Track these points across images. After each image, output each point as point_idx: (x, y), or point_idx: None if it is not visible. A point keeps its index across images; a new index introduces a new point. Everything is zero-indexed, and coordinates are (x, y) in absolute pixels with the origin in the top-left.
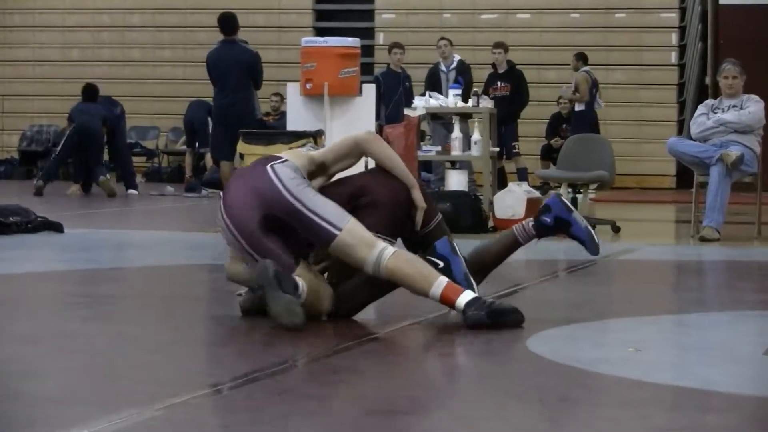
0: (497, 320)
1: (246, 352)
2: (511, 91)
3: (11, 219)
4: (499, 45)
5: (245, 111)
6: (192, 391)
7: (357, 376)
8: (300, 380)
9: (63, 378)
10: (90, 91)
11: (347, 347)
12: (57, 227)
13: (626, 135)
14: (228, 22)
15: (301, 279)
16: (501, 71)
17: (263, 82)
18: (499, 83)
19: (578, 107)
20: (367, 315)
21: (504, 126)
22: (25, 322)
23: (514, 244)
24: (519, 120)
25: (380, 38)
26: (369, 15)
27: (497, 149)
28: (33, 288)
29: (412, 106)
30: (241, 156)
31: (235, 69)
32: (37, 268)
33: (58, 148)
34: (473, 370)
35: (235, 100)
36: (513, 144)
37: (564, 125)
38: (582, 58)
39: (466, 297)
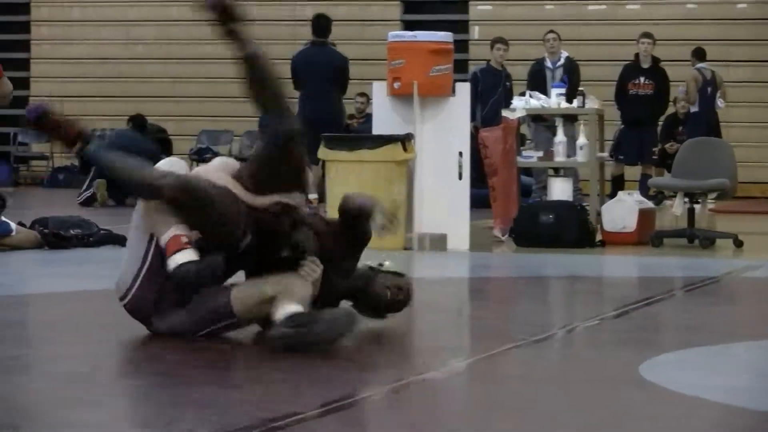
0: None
1: (322, 379)
2: (654, 90)
3: (71, 232)
4: (647, 35)
5: (333, 116)
6: (261, 425)
7: (450, 403)
8: (385, 410)
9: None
10: (137, 121)
11: (438, 372)
12: (120, 241)
13: (750, 138)
14: (321, 25)
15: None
16: (645, 66)
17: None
18: (642, 79)
19: (693, 108)
20: (458, 339)
21: (644, 127)
22: (74, 345)
23: None
24: (617, 121)
25: (475, 32)
26: (463, 6)
27: (605, 154)
28: (87, 307)
29: (511, 107)
30: (323, 162)
31: (325, 72)
32: (94, 286)
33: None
34: (581, 399)
35: (323, 105)
36: (654, 149)
37: (680, 128)
38: (697, 55)
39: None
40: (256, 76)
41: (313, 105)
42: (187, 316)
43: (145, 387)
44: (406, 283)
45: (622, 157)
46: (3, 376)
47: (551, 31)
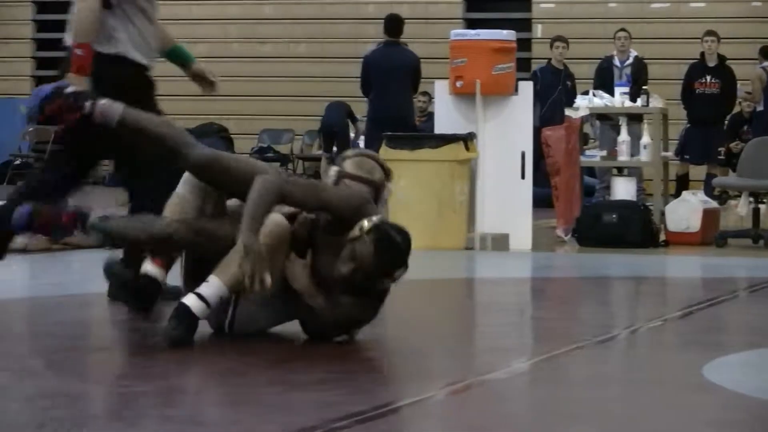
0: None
1: (388, 379)
2: (721, 89)
3: None
4: (711, 33)
5: (406, 115)
6: (329, 422)
7: (512, 405)
8: (450, 410)
9: (186, 405)
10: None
11: (502, 373)
12: None
13: None
14: (395, 24)
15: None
16: (711, 65)
17: None
18: (708, 78)
19: (759, 107)
20: (520, 340)
21: (710, 127)
22: (136, 345)
23: None
24: (681, 121)
25: (538, 30)
26: (526, 4)
27: (669, 153)
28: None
29: (574, 106)
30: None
31: (399, 72)
32: None
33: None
34: (644, 401)
35: (397, 104)
36: (720, 149)
37: (745, 127)
38: (763, 53)
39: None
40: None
41: (386, 104)
42: None
43: (205, 385)
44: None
45: (687, 157)
46: (65, 374)
47: (622, 29)
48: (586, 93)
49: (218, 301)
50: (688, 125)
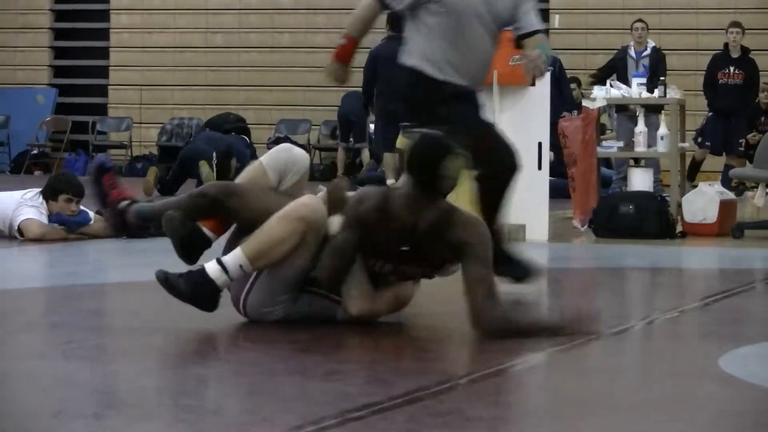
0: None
1: (403, 370)
2: (744, 80)
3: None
4: (736, 24)
5: None
6: (345, 412)
7: (528, 396)
8: (465, 401)
9: (204, 393)
10: (211, 124)
11: (517, 364)
12: None
13: None
14: (399, 20)
15: None
16: (735, 56)
17: None
18: (731, 69)
19: None
20: None
21: (732, 118)
22: (153, 334)
23: None
24: (698, 112)
25: (555, 21)
26: None
27: (686, 144)
28: (161, 297)
29: (591, 96)
30: (400, 152)
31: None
32: None
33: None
34: (661, 392)
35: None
36: (741, 141)
37: (762, 118)
38: None
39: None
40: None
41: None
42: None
43: (222, 375)
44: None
45: (708, 144)
46: (82, 362)
47: (639, 20)
48: (602, 84)
49: (238, 270)
50: (710, 114)
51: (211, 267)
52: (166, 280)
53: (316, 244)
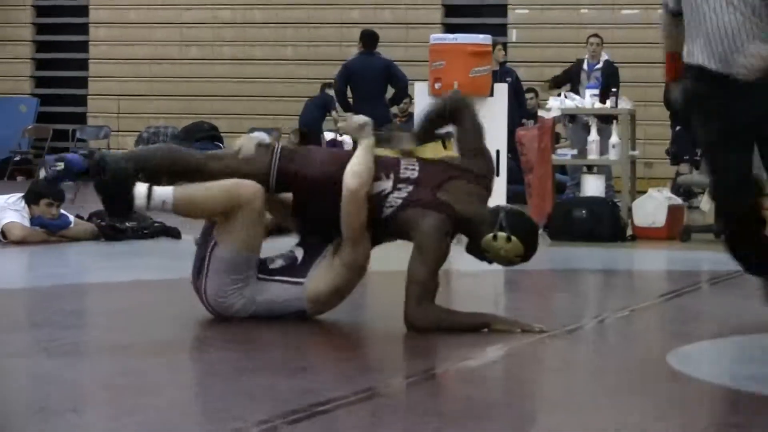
0: None
1: (366, 367)
2: None
3: (127, 224)
4: None
5: (382, 116)
6: (309, 408)
7: (485, 391)
8: (424, 397)
9: (173, 392)
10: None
11: (475, 361)
12: (174, 233)
13: None
14: (371, 38)
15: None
16: None
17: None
18: None
19: None
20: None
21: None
22: (130, 333)
23: None
24: (649, 122)
25: (513, 35)
26: (501, 10)
27: (636, 152)
28: (139, 297)
29: (546, 106)
30: None
31: (375, 77)
32: (148, 276)
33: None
34: (612, 386)
35: (374, 106)
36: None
37: None
38: None
39: None
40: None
41: (365, 106)
42: None
43: (196, 374)
44: None
45: (687, 157)
46: (64, 360)
47: (595, 35)
48: (559, 95)
49: (159, 203)
50: (678, 128)
51: (141, 187)
52: (99, 162)
53: (247, 229)
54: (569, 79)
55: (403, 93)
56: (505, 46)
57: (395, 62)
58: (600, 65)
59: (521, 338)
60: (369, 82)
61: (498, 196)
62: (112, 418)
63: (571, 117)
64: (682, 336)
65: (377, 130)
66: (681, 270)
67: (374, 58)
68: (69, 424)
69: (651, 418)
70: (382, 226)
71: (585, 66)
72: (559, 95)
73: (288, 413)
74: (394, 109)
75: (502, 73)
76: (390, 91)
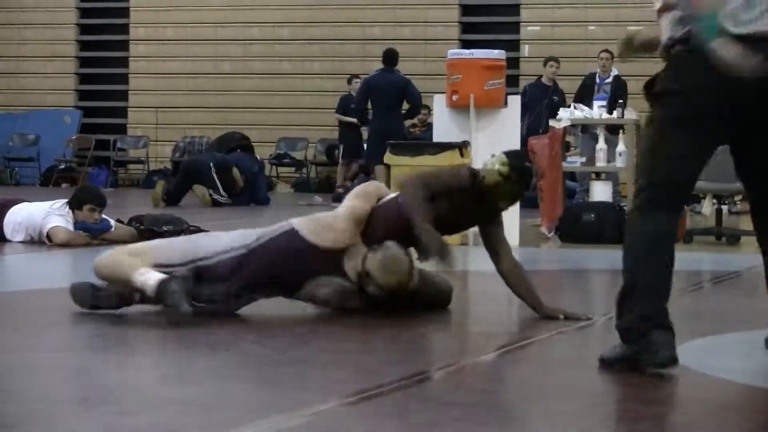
0: None
1: (391, 360)
2: None
3: (164, 228)
4: None
5: (397, 128)
6: (339, 399)
7: (502, 384)
8: (445, 389)
9: (212, 383)
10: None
11: (492, 356)
12: None
13: None
14: (391, 57)
15: None
16: None
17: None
18: None
19: None
20: (508, 326)
21: None
22: (169, 328)
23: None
24: None
25: (525, 50)
26: (514, 27)
27: None
28: None
29: (557, 117)
30: (388, 167)
31: (391, 93)
32: None
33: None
34: (620, 380)
35: (391, 118)
36: None
37: None
38: None
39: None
40: None
41: (382, 118)
42: None
43: (230, 366)
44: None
45: None
46: (105, 355)
47: (605, 50)
48: (568, 106)
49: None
50: None
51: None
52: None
53: None
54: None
55: (416, 109)
56: (517, 61)
57: (415, 76)
58: (610, 79)
59: (534, 334)
60: (387, 97)
61: None
62: (153, 408)
63: (583, 127)
64: (687, 332)
65: (392, 139)
66: (684, 270)
67: (393, 75)
68: (111, 413)
69: (657, 410)
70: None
71: (597, 79)
72: (568, 106)
73: (317, 404)
74: (414, 120)
75: (553, 91)
76: (406, 106)
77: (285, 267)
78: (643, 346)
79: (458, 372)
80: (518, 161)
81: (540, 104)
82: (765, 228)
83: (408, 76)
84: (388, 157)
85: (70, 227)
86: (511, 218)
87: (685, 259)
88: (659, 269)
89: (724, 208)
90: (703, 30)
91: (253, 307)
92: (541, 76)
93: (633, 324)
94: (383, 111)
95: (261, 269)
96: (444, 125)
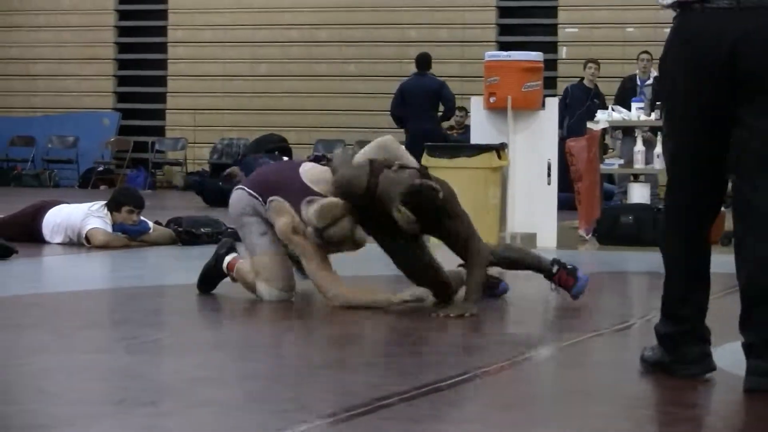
0: None
1: (429, 363)
2: None
3: (202, 230)
4: None
5: (433, 130)
6: (377, 402)
7: (537, 386)
8: (483, 391)
9: (250, 386)
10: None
11: (528, 357)
12: None
13: None
14: (423, 61)
15: None
16: None
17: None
18: None
19: None
20: (547, 328)
21: None
22: (205, 330)
23: (541, 271)
24: None
25: (563, 52)
26: (552, 29)
27: None
28: (213, 297)
29: (595, 119)
30: (426, 168)
31: (424, 96)
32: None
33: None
34: (658, 381)
35: (426, 121)
36: None
37: None
38: None
39: None
40: None
41: (417, 121)
42: None
43: (268, 368)
44: None
45: None
46: (143, 356)
47: (645, 52)
48: (607, 108)
49: None
50: None
51: None
52: None
53: None
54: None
55: (450, 112)
56: (555, 63)
57: (452, 78)
58: (650, 81)
59: (572, 336)
60: (421, 100)
61: (549, 204)
62: (189, 409)
63: (625, 130)
64: (725, 334)
65: (428, 142)
66: (721, 272)
67: (426, 79)
68: (148, 415)
69: (696, 412)
70: None
71: (638, 81)
72: (606, 108)
73: (354, 406)
74: (451, 122)
75: (594, 95)
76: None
77: None
78: None
79: (496, 374)
80: (406, 204)
81: (581, 106)
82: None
83: (445, 79)
84: (425, 159)
85: (109, 229)
86: (549, 221)
87: (723, 262)
88: None
89: None
90: None
91: (290, 311)
92: (583, 78)
93: None
94: (418, 114)
95: None
96: (481, 127)
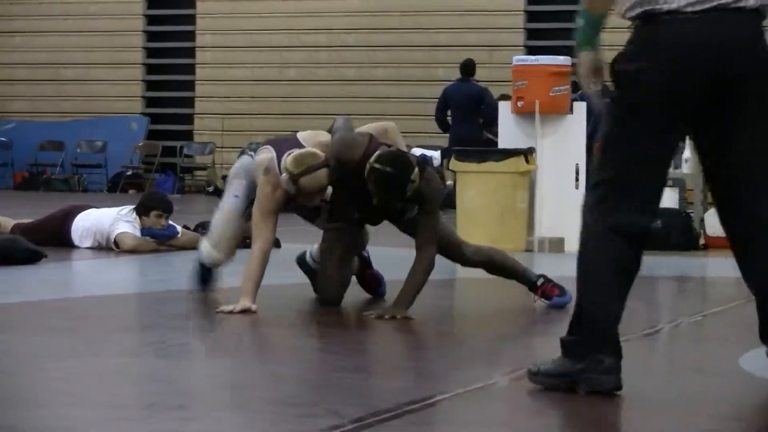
0: None
1: (453, 367)
2: None
3: None
4: None
5: (473, 134)
6: (403, 407)
7: (565, 393)
8: (507, 395)
9: (278, 390)
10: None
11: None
12: (275, 243)
13: None
14: (467, 67)
15: None
16: None
17: None
18: None
19: None
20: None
21: None
22: (232, 334)
23: (521, 280)
24: None
25: None
26: None
27: None
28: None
29: None
30: (454, 172)
31: (467, 101)
32: None
33: None
34: (686, 387)
35: (468, 125)
36: None
37: None
38: None
39: None
40: None
41: (460, 126)
42: None
43: (296, 372)
44: None
45: None
46: (171, 359)
47: None
48: None
49: None
50: None
51: None
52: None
53: None
54: None
55: (490, 117)
56: None
57: (480, 82)
58: None
59: None
60: (462, 105)
61: (577, 208)
62: (218, 412)
63: None
64: (753, 340)
65: (470, 146)
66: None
67: (468, 85)
68: (176, 419)
69: (724, 418)
70: None
71: None
72: None
73: (381, 411)
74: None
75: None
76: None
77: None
78: None
79: (521, 378)
80: (382, 163)
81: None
82: (746, 253)
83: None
84: (453, 164)
85: (138, 233)
86: (577, 225)
87: None
88: None
89: None
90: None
91: (317, 316)
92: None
93: None
94: (460, 119)
95: None
96: (509, 131)
